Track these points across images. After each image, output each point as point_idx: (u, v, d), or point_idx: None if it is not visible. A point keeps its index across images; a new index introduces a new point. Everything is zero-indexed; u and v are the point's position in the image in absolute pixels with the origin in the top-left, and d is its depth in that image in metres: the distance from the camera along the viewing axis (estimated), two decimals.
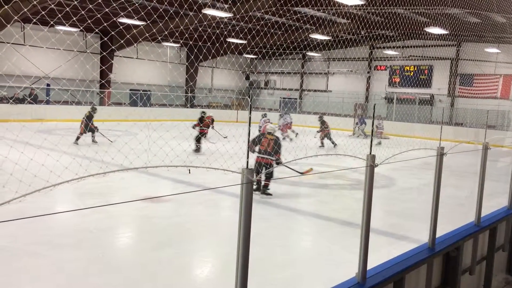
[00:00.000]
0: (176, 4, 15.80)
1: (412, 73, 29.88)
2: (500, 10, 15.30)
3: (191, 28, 21.22)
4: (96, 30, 22.82)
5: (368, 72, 32.16)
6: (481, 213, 5.40)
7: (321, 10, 18.45)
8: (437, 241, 4.47)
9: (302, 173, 9.28)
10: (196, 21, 20.27)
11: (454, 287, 4.66)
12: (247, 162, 2.57)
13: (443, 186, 4.65)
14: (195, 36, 25.58)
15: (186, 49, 32.60)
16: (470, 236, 5.04)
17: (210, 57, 31.46)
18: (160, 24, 20.60)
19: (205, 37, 25.44)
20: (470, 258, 5.26)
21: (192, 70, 31.91)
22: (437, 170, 4.46)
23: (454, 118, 27.51)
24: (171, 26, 20.70)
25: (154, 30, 20.95)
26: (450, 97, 28.36)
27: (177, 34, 23.54)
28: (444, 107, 28.04)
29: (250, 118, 2.64)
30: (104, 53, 25.56)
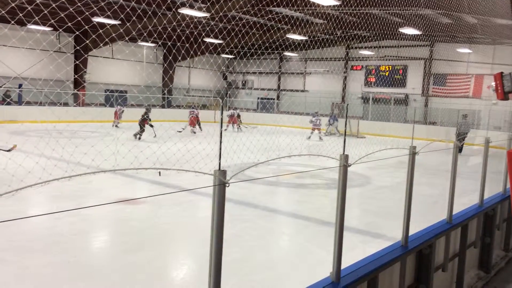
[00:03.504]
0: (144, 4, 15.61)
1: (387, 73, 30.33)
2: (471, 11, 15.65)
3: (160, 28, 21.01)
4: (60, 30, 22.28)
5: (345, 72, 32.49)
6: (452, 210, 5.50)
7: (297, 10, 18.55)
8: (410, 239, 4.53)
9: (8, 150, 8.93)
10: (165, 21, 20.09)
11: (427, 284, 4.73)
12: (219, 163, 2.55)
13: (416, 185, 4.72)
14: (165, 36, 25.36)
15: (163, 49, 32.27)
16: (442, 233, 5.13)
17: (181, 57, 31.18)
18: (128, 24, 20.22)
19: (174, 37, 25.26)
20: (443, 255, 5.35)
21: (161, 70, 31.63)
22: (409, 169, 4.51)
23: (427, 117, 28.06)
24: (139, 26, 20.41)
25: (121, 30, 20.61)
26: (424, 97, 28.92)
27: (146, 33, 23.28)
28: (418, 106, 28.57)
29: (221, 119, 2.62)
30: (69, 53, 25.04)
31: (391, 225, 6.78)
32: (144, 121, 17.19)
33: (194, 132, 20.93)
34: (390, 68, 30.15)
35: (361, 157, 3.83)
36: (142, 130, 17.05)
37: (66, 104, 26.31)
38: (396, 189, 10.06)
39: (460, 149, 15.97)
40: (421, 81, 29.08)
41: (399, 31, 20.48)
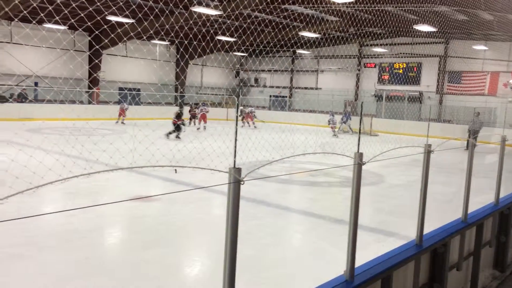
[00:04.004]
0: (162, 3, 15.68)
1: (401, 70, 30.05)
2: (487, 8, 15.44)
3: (176, 26, 21.13)
4: (80, 29, 22.58)
5: (358, 70, 32.28)
6: (468, 209, 5.44)
7: (310, 8, 18.50)
8: (424, 237, 4.50)
9: None
10: (182, 20, 20.20)
11: (441, 284, 4.69)
12: (234, 161, 2.57)
13: (431, 183, 4.68)
14: (181, 34, 25.50)
15: (176, 47, 32.43)
16: (457, 232, 5.07)
17: (197, 55, 31.31)
18: (145, 23, 20.43)
19: (191, 35, 25.34)
20: (457, 254, 5.30)
21: (177, 69, 31.77)
22: (424, 168, 4.48)
23: (442, 115, 27.76)
24: (157, 25, 20.58)
25: (139, 29, 20.80)
26: (439, 94, 28.60)
27: (163, 32, 23.45)
28: (433, 104, 28.27)
29: (237, 117, 2.64)
30: (88, 52, 25.32)
31: (404, 223, 6.74)
32: (176, 119, 16.94)
33: (204, 128, 21.10)
34: (404, 66, 29.86)
35: (376, 155, 3.81)
36: (176, 129, 16.91)
37: (81, 102, 26.67)
38: (410, 187, 9.99)
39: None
40: (435, 78, 28.76)
41: (413, 28, 20.28)
